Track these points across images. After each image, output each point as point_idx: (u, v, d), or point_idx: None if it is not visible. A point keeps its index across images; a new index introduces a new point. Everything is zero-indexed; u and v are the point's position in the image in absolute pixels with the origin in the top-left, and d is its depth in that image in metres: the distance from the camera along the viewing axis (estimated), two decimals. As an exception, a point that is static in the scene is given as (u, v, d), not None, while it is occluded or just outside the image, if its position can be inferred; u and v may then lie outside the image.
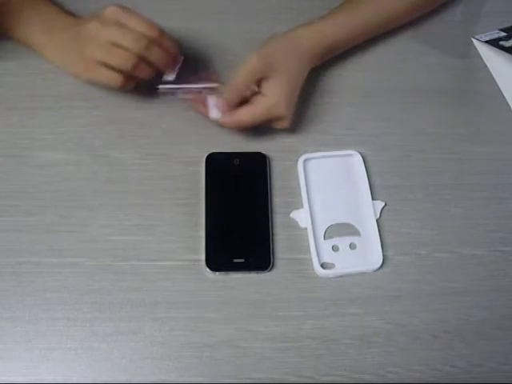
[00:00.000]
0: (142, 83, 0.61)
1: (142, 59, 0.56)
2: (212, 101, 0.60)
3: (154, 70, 0.58)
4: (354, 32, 0.67)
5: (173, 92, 0.61)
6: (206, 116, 0.61)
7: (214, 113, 0.59)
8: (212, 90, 0.61)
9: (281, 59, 0.59)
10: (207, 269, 0.55)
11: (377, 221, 0.59)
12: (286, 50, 0.60)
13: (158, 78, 0.60)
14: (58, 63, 0.63)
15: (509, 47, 0.70)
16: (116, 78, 0.57)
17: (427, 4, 0.72)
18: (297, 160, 0.62)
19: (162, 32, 0.56)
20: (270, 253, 0.56)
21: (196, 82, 0.61)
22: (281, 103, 0.58)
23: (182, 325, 0.53)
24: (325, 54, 0.65)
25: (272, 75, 0.58)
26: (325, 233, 0.59)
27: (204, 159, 0.61)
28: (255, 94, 0.59)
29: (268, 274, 0.56)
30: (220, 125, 0.61)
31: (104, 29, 0.55)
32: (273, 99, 0.58)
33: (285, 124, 0.61)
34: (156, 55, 0.56)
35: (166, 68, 0.59)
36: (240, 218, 0.58)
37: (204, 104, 0.60)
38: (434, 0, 0.72)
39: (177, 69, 0.60)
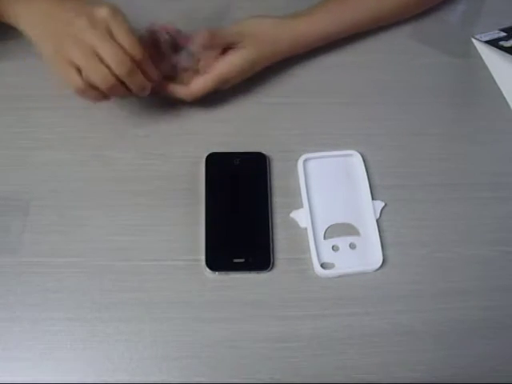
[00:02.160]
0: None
1: (120, 82, 0.54)
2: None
3: (130, 93, 0.56)
4: (340, 23, 0.67)
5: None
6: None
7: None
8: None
9: (255, 37, 0.61)
10: (207, 269, 0.55)
11: (377, 221, 0.59)
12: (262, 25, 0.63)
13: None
14: (31, 34, 0.56)
15: (509, 47, 0.70)
16: (80, 86, 0.54)
17: (418, 2, 0.72)
18: (297, 160, 0.61)
19: (146, 56, 0.54)
20: (270, 253, 0.56)
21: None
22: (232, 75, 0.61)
23: (182, 325, 0.53)
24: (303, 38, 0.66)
25: (242, 46, 0.60)
26: (325, 233, 0.59)
27: (204, 159, 0.61)
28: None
29: (268, 273, 0.56)
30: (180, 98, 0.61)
31: (91, 32, 0.51)
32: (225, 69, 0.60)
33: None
34: (135, 83, 0.55)
35: (142, 93, 0.57)
36: (240, 218, 0.58)
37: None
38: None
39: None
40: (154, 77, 0.57)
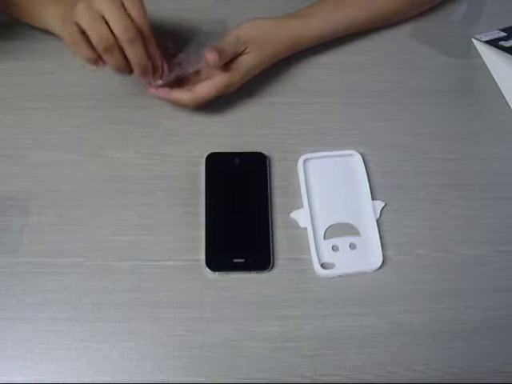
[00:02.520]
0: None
1: (119, 49, 0.53)
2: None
3: (129, 70, 0.56)
4: (336, 23, 0.68)
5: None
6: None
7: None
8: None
9: (257, 41, 0.62)
10: (207, 269, 0.55)
11: (377, 221, 0.59)
12: (266, 31, 0.63)
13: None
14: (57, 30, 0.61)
15: (509, 47, 0.70)
16: (75, 38, 0.53)
17: (415, 4, 0.72)
18: (297, 160, 0.62)
19: (152, 35, 0.55)
20: (269, 253, 0.56)
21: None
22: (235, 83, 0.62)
23: (181, 325, 0.53)
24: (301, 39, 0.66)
25: (246, 52, 0.61)
26: (325, 233, 0.58)
27: (204, 159, 0.61)
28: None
29: (268, 273, 0.56)
30: (183, 105, 0.62)
31: (103, 0, 0.52)
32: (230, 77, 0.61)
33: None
34: (135, 54, 0.54)
35: (141, 74, 0.57)
36: (240, 218, 0.58)
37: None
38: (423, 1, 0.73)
39: (163, 79, 0.59)
40: (156, 61, 0.57)
